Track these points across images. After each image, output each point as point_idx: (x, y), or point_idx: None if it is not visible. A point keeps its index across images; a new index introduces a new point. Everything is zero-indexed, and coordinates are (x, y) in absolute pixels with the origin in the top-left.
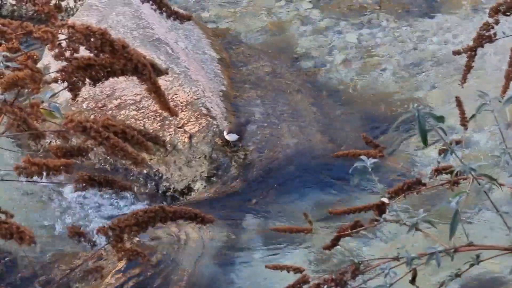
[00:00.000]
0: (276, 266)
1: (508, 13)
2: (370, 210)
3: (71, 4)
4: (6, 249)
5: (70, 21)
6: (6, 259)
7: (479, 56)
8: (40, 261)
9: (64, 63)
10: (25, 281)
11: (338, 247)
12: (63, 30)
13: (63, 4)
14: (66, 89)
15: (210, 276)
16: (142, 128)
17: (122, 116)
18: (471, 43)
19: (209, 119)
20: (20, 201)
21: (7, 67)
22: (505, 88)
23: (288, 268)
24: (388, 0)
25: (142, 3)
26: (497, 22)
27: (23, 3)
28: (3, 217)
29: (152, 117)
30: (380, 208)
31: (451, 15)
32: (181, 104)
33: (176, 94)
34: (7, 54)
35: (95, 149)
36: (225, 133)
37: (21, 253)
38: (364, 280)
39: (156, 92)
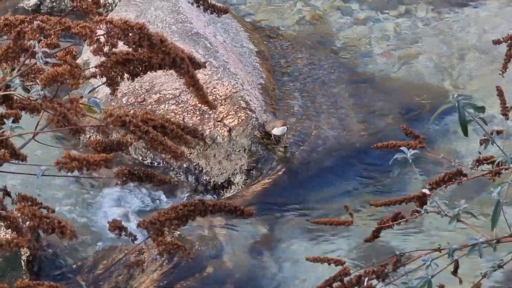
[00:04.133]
0: (316, 259)
1: None
2: (411, 202)
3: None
4: (49, 243)
5: (109, 16)
6: (48, 253)
7: None
8: (81, 255)
9: (103, 58)
10: (67, 274)
11: (379, 239)
12: (101, 25)
13: None
14: (105, 84)
15: (250, 268)
16: (182, 122)
17: (162, 110)
18: (511, 32)
19: (248, 112)
20: (62, 196)
21: (46, 63)
22: None
23: (328, 261)
24: None
25: None
26: None
27: None
28: (45, 211)
29: (192, 111)
30: (421, 200)
31: (491, 5)
32: (220, 98)
33: (215, 87)
34: (47, 50)
35: (135, 143)
36: (276, 129)
37: (63, 247)
38: (405, 271)
39: (195, 86)
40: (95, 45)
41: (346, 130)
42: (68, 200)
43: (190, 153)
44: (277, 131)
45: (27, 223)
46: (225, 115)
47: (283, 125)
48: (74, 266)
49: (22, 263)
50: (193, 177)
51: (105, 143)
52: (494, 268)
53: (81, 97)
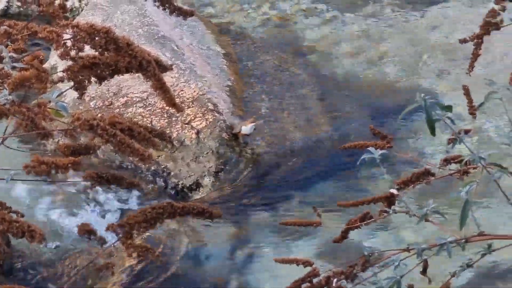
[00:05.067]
0: (285, 260)
1: None
2: (379, 202)
3: (76, 4)
4: (18, 247)
5: (75, 20)
6: (18, 257)
7: (486, 43)
8: (51, 259)
9: (70, 62)
10: (37, 278)
11: (348, 239)
12: (68, 30)
13: (68, 4)
14: (73, 89)
15: (219, 270)
16: (149, 125)
17: (130, 113)
18: (477, 30)
19: (216, 114)
20: (30, 200)
21: (13, 67)
22: None
23: (297, 262)
24: None
25: (145, 0)
26: (503, 9)
27: (29, 4)
28: (14, 216)
29: (159, 114)
30: (389, 200)
31: (457, 3)
32: (188, 100)
33: (182, 90)
34: (14, 54)
35: (103, 146)
36: (244, 127)
37: (33, 250)
38: (374, 272)
39: (161, 89)
40: (62, 49)
41: (314, 131)
42: (37, 204)
43: (158, 156)
44: (245, 129)
45: None
46: (192, 118)
47: (251, 123)
48: (44, 269)
49: None
50: (162, 179)
51: (74, 147)
52: (463, 268)
53: (49, 101)
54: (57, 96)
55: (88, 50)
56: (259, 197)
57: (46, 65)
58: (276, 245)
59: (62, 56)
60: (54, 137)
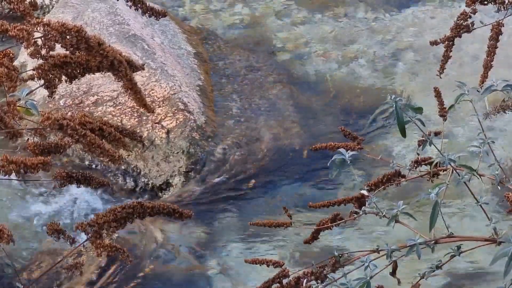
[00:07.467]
0: (255, 261)
1: (485, 2)
2: (350, 203)
3: (47, 1)
4: None
5: (46, 18)
6: None
7: (456, 46)
8: (19, 258)
9: (40, 61)
10: (4, 278)
11: (318, 240)
12: (38, 28)
13: (39, 1)
14: (43, 87)
15: (188, 270)
16: (119, 124)
17: (100, 112)
18: (448, 33)
19: (186, 114)
20: None
21: None
22: (484, 78)
23: (267, 262)
24: None
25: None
26: (474, 12)
27: None
28: None
29: (130, 113)
30: (360, 201)
31: (428, 5)
32: (158, 100)
33: (153, 89)
34: None
35: (73, 146)
36: None
37: (0, 250)
38: (344, 273)
39: (132, 89)
40: (32, 48)
41: (284, 131)
42: (4, 203)
43: (128, 155)
44: None
45: None
46: (163, 117)
47: None
48: (12, 269)
49: None
50: (131, 179)
51: (43, 146)
52: (433, 269)
53: (19, 99)
54: (27, 94)
55: (58, 49)
56: (229, 197)
57: (15, 63)
58: (246, 245)
59: (33, 55)
60: (24, 136)
